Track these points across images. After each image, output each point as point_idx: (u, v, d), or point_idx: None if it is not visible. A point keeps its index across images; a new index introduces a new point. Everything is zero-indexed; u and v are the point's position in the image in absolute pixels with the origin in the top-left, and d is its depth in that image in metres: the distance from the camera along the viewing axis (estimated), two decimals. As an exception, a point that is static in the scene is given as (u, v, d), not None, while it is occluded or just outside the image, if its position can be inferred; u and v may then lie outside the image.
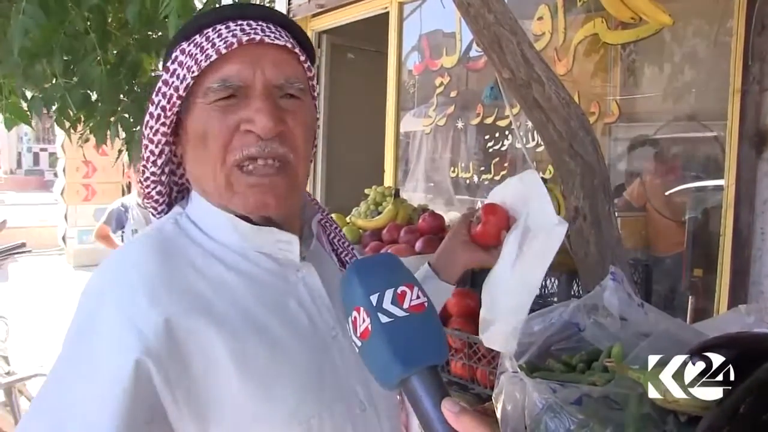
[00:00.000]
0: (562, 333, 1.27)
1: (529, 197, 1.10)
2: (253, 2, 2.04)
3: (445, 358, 0.63)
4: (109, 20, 1.67)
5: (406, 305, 0.62)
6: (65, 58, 1.57)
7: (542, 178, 1.30)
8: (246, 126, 0.81)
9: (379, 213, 2.68)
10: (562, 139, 1.64)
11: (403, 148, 4.17)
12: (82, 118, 1.76)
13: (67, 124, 1.75)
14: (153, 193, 0.91)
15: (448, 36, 3.89)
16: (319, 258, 0.95)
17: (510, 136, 3.40)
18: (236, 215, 0.86)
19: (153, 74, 1.89)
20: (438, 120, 3.93)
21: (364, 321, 0.61)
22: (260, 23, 0.84)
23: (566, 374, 1.18)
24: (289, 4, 4.66)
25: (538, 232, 1.08)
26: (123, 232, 3.93)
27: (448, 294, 1.22)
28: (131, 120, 1.79)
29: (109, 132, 1.84)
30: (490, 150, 3.55)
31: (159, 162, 0.88)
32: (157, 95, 0.86)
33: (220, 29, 0.83)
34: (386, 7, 4.06)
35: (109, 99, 1.65)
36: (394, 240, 2.38)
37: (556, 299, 2.02)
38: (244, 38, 0.80)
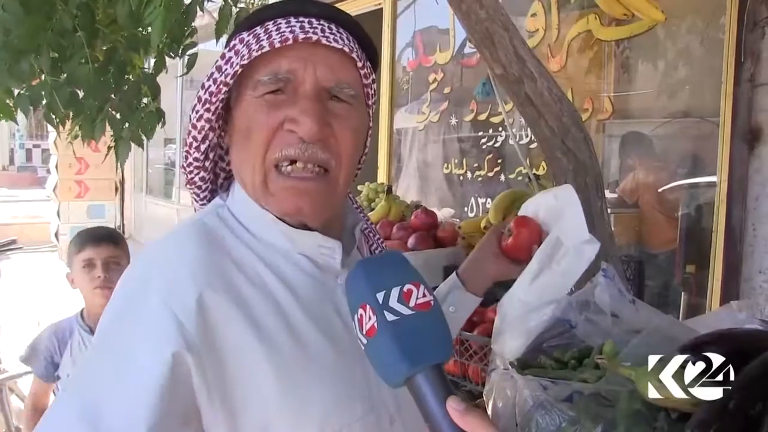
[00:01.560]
0: (553, 329, 1.27)
1: (562, 212, 1.10)
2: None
3: (450, 355, 0.63)
4: (98, 17, 1.65)
5: (412, 303, 0.61)
6: (53, 55, 1.55)
7: (534, 175, 1.30)
8: (289, 125, 0.79)
9: (372, 209, 2.68)
10: (555, 135, 1.63)
11: (396, 144, 4.16)
12: (71, 115, 1.74)
13: (56, 120, 1.73)
14: (196, 179, 0.89)
15: (442, 32, 3.89)
16: None
17: (503, 133, 3.39)
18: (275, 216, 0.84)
19: (141, 72, 1.87)
20: (431, 116, 3.93)
21: (370, 319, 0.61)
22: (322, 22, 0.82)
23: (558, 371, 1.17)
24: (282, -1, 4.64)
25: (570, 248, 1.07)
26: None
27: (474, 306, 1.20)
28: (119, 117, 1.78)
29: (100, 130, 1.83)
30: (484, 146, 3.55)
31: (202, 147, 0.86)
32: (209, 80, 0.84)
33: (280, 23, 0.81)
34: (379, 4, 4.06)
35: (96, 97, 1.64)
36: (387, 237, 2.37)
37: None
38: (301, 35, 0.78)
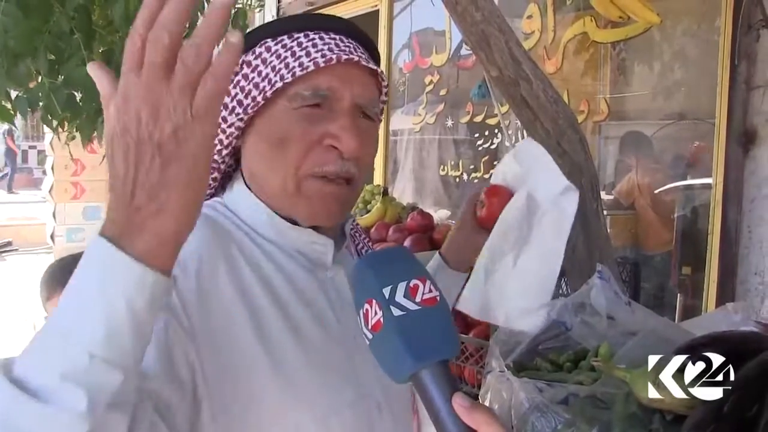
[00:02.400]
0: (549, 332, 1.27)
1: (530, 168, 1.08)
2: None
3: (457, 352, 0.63)
4: (95, 18, 1.65)
5: (418, 299, 0.61)
6: (50, 58, 1.55)
7: None
8: (330, 141, 0.82)
9: (368, 211, 2.68)
10: (550, 137, 1.64)
11: (392, 146, 4.16)
12: (69, 119, 1.74)
13: (54, 123, 1.73)
14: (209, 179, 0.92)
15: (438, 34, 3.89)
16: (347, 262, 0.95)
17: (500, 135, 3.40)
18: (278, 214, 0.87)
19: None
20: (427, 118, 3.93)
21: (375, 313, 0.61)
22: (351, 41, 0.86)
23: (553, 373, 1.18)
24: (279, 1, 4.64)
25: (548, 206, 1.05)
26: None
27: (460, 283, 1.20)
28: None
29: (96, 131, 1.83)
30: (480, 148, 3.55)
31: (224, 152, 0.89)
32: (234, 87, 0.85)
33: (314, 38, 0.83)
34: (376, 5, 4.06)
35: (94, 98, 1.64)
36: (383, 239, 2.38)
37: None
38: (343, 56, 0.81)
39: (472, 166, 3.62)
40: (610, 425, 0.95)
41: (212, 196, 0.94)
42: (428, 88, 3.91)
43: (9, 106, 1.67)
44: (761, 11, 2.04)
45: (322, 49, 0.82)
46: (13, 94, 1.66)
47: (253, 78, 0.84)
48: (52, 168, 7.91)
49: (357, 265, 0.67)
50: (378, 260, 0.66)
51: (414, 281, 0.62)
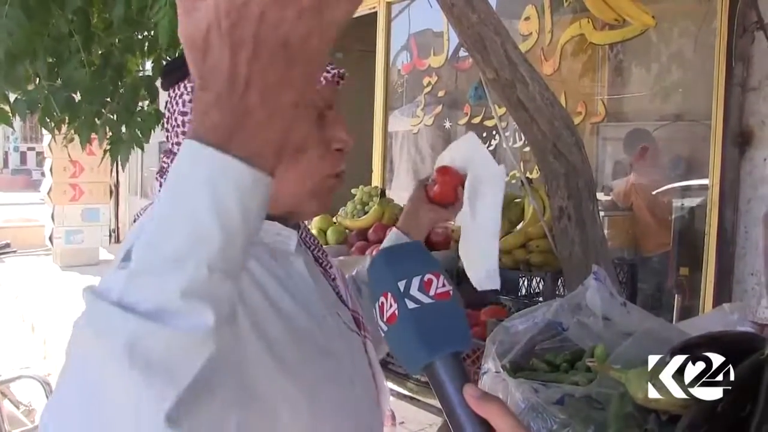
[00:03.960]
0: (546, 332, 1.27)
1: (472, 156, 1.26)
2: None
3: (470, 345, 0.64)
4: (93, 21, 1.65)
5: (432, 292, 0.63)
6: (49, 60, 1.56)
7: (527, 178, 1.35)
8: (337, 145, 0.88)
9: (366, 213, 2.68)
10: (546, 139, 1.64)
11: (390, 147, 4.16)
12: (67, 119, 1.74)
13: (51, 125, 1.73)
14: None
15: (436, 36, 3.90)
16: (300, 250, 0.98)
17: (497, 136, 3.40)
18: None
19: (138, 75, 1.87)
20: (425, 120, 3.93)
21: (391, 306, 0.63)
22: None
23: (550, 374, 1.18)
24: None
25: (486, 184, 1.24)
26: None
27: None
28: (117, 121, 1.78)
29: (97, 134, 1.84)
30: (478, 150, 3.55)
31: None
32: None
33: None
34: (374, 7, 4.06)
35: (93, 100, 1.64)
36: (380, 240, 2.37)
37: (541, 299, 2.03)
38: (341, 69, 0.88)
39: (469, 168, 3.62)
40: (606, 425, 0.96)
41: None
42: (426, 90, 3.91)
43: (7, 108, 1.67)
44: (756, 14, 2.05)
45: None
46: (11, 97, 1.67)
47: None
48: (51, 170, 7.91)
49: (373, 259, 0.68)
50: (393, 255, 0.67)
51: (428, 275, 0.64)
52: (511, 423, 0.56)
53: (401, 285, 0.63)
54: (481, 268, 1.27)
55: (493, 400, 0.57)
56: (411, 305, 0.62)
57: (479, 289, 1.28)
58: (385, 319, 0.63)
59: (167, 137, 0.94)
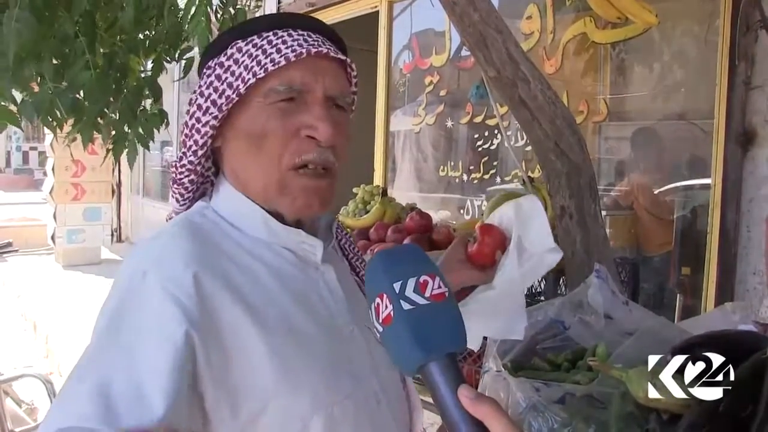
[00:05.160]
0: (547, 331, 1.27)
1: (527, 220, 1.15)
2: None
3: (465, 346, 0.65)
4: (98, 21, 1.66)
5: (427, 294, 0.63)
6: (54, 62, 1.56)
7: (529, 177, 1.32)
8: (307, 132, 0.85)
9: (367, 212, 2.67)
10: (548, 138, 1.64)
11: (392, 146, 4.16)
12: (74, 122, 1.75)
13: (54, 124, 1.73)
14: (185, 180, 0.93)
15: (438, 35, 3.89)
16: (334, 260, 0.98)
17: (499, 135, 3.40)
18: (268, 212, 0.89)
19: (142, 76, 1.87)
20: (427, 119, 3.93)
21: (386, 307, 0.63)
22: (318, 36, 0.89)
23: (551, 373, 1.18)
24: (279, 2, 4.65)
25: (534, 254, 1.12)
26: None
27: None
28: (119, 121, 1.78)
29: (100, 134, 1.84)
30: (480, 149, 3.55)
31: (200, 153, 0.90)
32: (208, 88, 0.88)
33: (282, 35, 0.87)
34: (376, 6, 4.06)
35: (97, 101, 1.64)
36: (382, 239, 2.37)
37: (543, 298, 2.02)
38: (312, 49, 0.85)
39: (471, 167, 3.62)
40: (607, 425, 0.96)
41: (194, 195, 0.96)
42: (428, 89, 3.91)
43: (15, 109, 1.67)
44: (760, 12, 2.04)
45: (292, 45, 0.85)
46: (18, 98, 1.67)
47: (226, 78, 0.87)
48: (53, 169, 7.91)
49: (370, 261, 0.69)
50: (389, 257, 0.68)
51: (424, 277, 0.64)
52: (506, 424, 0.56)
53: (397, 286, 0.63)
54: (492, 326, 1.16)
55: (488, 402, 0.57)
56: (406, 306, 0.62)
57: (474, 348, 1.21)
58: (380, 321, 0.64)
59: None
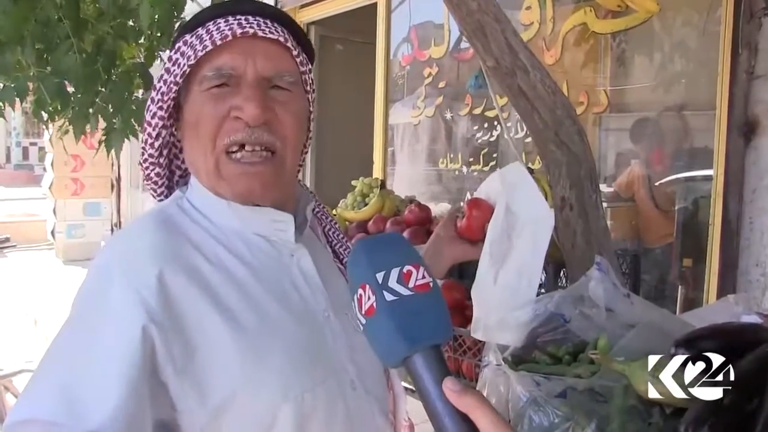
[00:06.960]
0: (548, 324, 1.25)
1: (514, 187, 1.13)
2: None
3: (449, 337, 0.64)
4: (87, 8, 1.63)
5: (411, 284, 0.62)
6: (37, 46, 1.54)
7: (528, 168, 1.30)
8: (235, 113, 0.86)
9: (366, 205, 2.66)
10: (548, 128, 1.61)
11: (391, 139, 4.14)
12: (59, 108, 1.72)
13: (45, 116, 1.72)
14: (152, 174, 0.97)
15: (437, 27, 3.87)
16: (312, 245, 0.98)
17: (498, 127, 3.38)
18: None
19: (132, 62, 1.85)
20: (426, 111, 3.91)
21: (369, 298, 0.62)
22: (257, 18, 0.90)
23: (552, 366, 1.16)
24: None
25: (528, 221, 1.10)
26: None
27: None
28: (110, 110, 1.76)
29: (89, 124, 1.82)
30: (479, 141, 3.54)
31: (156, 144, 0.93)
32: (159, 81, 0.92)
33: (219, 23, 0.89)
34: (374, -2, 4.03)
35: (85, 89, 1.62)
36: (380, 231, 2.36)
37: (543, 290, 2.00)
38: (239, 31, 0.86)
39: (471, 159, 3.60)
40: (609, 418, 0.94)
41: (168, 189, 0.98)
42: (427, 81, 3.89)
43: None
44: (764, -1, 2.02)
45: (223, 30, 0.87)
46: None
47: (173, 71, 0.90)
48: (52, 164, 7.92)
49: (352, 250, 0.68)
50: (372, 246, 0.66)
51: (407, 267, 0.62)
52: (491, 416, 0.55)
53: (380, 277, 0.61)
54: (498, 317, 1.14)
55: (473, 394, 0.56)
56: (389, 297, 0.61)
57: (486, 340, 1.14)
58: (363, 312, 0.62)
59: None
